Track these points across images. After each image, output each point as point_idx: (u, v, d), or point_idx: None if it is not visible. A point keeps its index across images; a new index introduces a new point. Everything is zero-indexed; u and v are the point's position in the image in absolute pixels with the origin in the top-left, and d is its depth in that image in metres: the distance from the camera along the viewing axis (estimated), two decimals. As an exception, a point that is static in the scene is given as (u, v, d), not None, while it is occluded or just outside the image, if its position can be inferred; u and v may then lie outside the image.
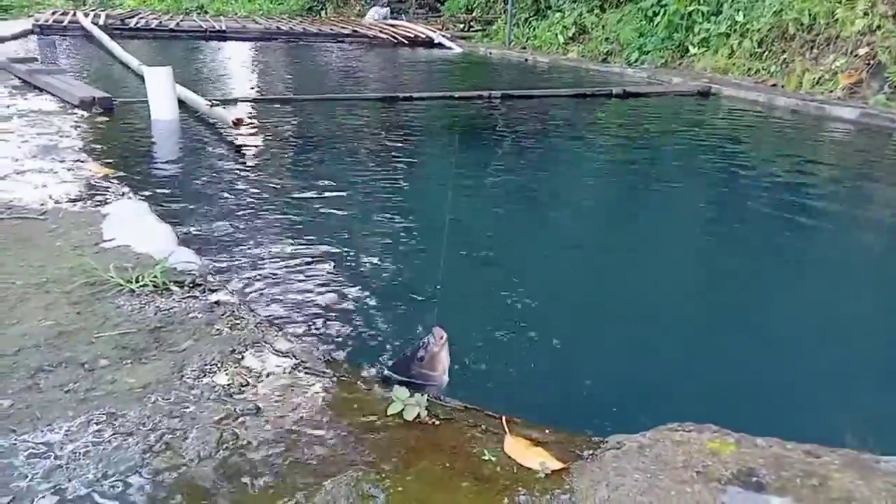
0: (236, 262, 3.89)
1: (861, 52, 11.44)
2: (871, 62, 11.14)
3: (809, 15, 12.18)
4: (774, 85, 12.54)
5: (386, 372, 2.59)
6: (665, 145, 8.39)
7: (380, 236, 4.59)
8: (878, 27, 11.11)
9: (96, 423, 2.10)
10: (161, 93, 7.37)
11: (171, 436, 2.05)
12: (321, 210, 5.03)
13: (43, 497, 1.79)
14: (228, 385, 2.34)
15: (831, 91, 11.56)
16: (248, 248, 4.14)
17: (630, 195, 6.29)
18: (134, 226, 3.87)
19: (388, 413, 2.17)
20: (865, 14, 11.31)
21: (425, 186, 6.21)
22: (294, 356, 2.54)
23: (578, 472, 1.93)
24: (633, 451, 1.95)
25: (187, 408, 2.20)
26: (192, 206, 4.91)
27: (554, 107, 10.65)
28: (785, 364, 3.12)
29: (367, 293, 3.63)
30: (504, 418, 2.21)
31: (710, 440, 1.96)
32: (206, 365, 2.46)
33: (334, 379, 2.41)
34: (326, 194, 5.40)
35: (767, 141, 9.04)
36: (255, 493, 1.83)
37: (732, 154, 7.87)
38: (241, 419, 2.15)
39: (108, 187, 4.64)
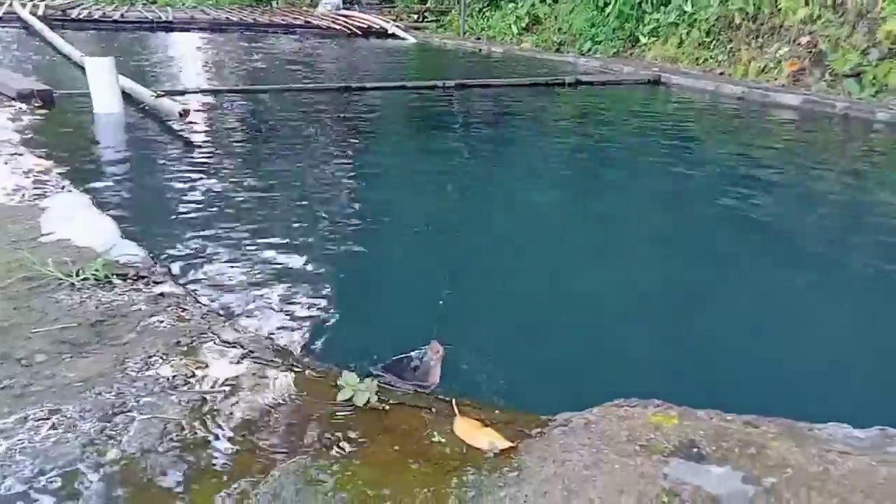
0: (182, 255, 3.81)
1: (803, 40, 11.78)
2: (813, 50, 11.49)
3: (754, 5, 12.50)
4: (722, 73, 12.84)
5: (379, 368, 2.51)
6: (618, 132, 8.51)
7: (328, 226, 4.55)
8: (819, 17, 11.47)
9: (34, 419, 2.03)
10: (103, 84, 7.14)
11: (112, 429, 2.00)
12: (270, 201, 4.96)
13: (-24, 496, 1.73)
14: (173, 377, 2.29)
15: (776, 79, 11.89)
16: (195, 241, 4.05)
17: (582, 182, 6.37)
18: (75, 219, 3.75)
19: (338, 399, 2.16)
20: (807, 3, 11.66)
21: (376, 176, 6.17)
22: (242, 346, 2.50)
23: (527, 450, 1.95)
24: (580, 427, 1.98)
25: (130, 401, 2.14)
26: (136, 200, 4.79)
27: (508, 96, 10.69)
28: (731, 338, 3.21)
29: (315, 283, 3.60)
30: (454, 401, 2.22)
31: (654, 414, 2.01)
32: (149, 357, 2.40)
33: (283, 368, 2.38)
34: (275, 186, 5.32)
35: (715, 127, 9.26)
36: (201, 483, 1.80)
37: (682, 140, 8.04)
38: (185, 410, 2.10)
39: (48, 181, 4.48)
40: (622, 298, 3.71)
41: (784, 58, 12.08)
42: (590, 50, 15.94)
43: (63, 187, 4.35)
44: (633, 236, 4.85)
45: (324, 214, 4.76)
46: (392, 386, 2.33)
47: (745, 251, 4.60)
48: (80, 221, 3.70)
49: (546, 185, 6.14)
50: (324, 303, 3.38)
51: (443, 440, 2.01)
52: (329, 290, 3.58)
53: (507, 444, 1.98)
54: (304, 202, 5.03)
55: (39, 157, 5.08)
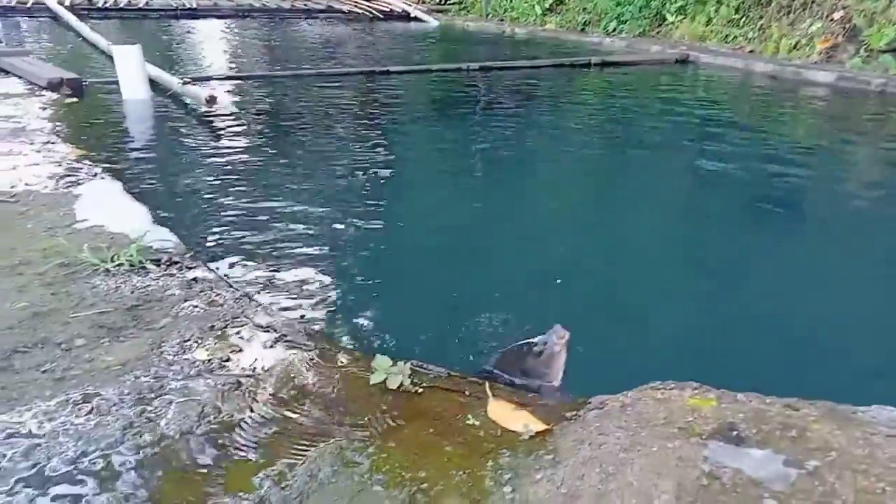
0: (213, 240, 3.85)
1: (836, 15, 11.46)
2: (847, 26, 11.18)
3: (785, -21, 12.17)
4: (752, 51, 12.55)
5: (487, 367, 2.41)
6: (646, 113, 8.38)
7: (358, 211, 4.56)
8: (853, -10, 11.13)
9: (74, 402, 2.07)
10: (131, 72, 7.21)
11: (151, 412, 2.03)
12: (298, 187, 4.98)
13: (22, 474, 1.76)
14: (208, 360, 2.31)
15: (808, 56, 11.59)
16: (226, 227, 4.09)
17: (610, 164, 6.29)
18: (107, 206, 3.80)
19: (372, 383, 2.16)
20: (840, -23, 11.32)
21: (404, 160, 6.16)
22: (275, 330, 2.52)
23: (561, 433, 1.94)
24: (616, 410, 1.96)
25: (167, 384, 2.17)
26: (167, 186, 4.84)
27: (533, 78, 10.58)
28: (767, 322, 3.16)
29: (346, 268, 3.61)
30: (487, 383, 2.21)
31: (691, 397, 1.98)
32: (185, 341, 2.43)
33: (316, 351, 2.39)
34: (304, 171, 5.35)
35: (747, 106, 9.07)
36: (239, 465, 1.82)
37: (713, 120, 7.89)
38: (222, 393, 2.13)
39: (80, 168, 4.55)
40: (650, 278, 3.67)
41: (816, 34, 11.76)
42: (615, 30, 15.69)
43: (95, 174, 4.41)
44: (663, 216, 4.79)
45: (354, 199, 4.77)
46: (499, 383, 2.25)
47: (781, 231, 4.51)
48: (113, 208, 3.75)
49: (573, 167, 6.07)
50: (355, 288, 3.39)
51: (477, 423, 2.01)
52: (361, 275, 3.60)
53: (542, 426, 1.97)
54: (333, 187, 5.05)
55: (71, 144, 5.15)
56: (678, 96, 9.43)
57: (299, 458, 1.84)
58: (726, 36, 13.36)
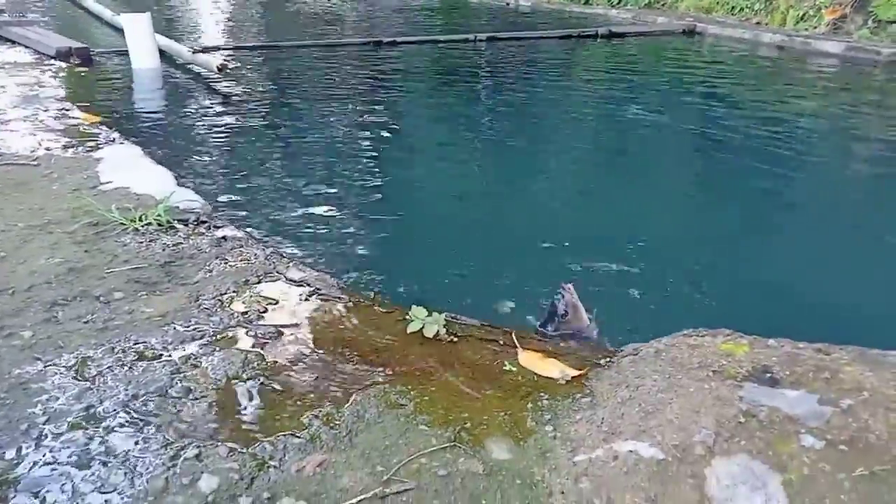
0: (237, 201, 3.88)
1: (845, -14, 11.35)
2: (856, -4, 11.08)
3: (794, -52, 12.03)
4: (758, 23, 12.46)
5: (547, 329, 2.56)
6: (654, 83, 8.35)
7: (373, 175, 4.58)
8: (863, -40, 11.02)
9: (121, 350, 2.12)
10: (141, 40, 7.17)
11: (196, 358, 2.08)
12: (311, 152, 5.00)
13: (77, 415, 1.82)
14: (246, 312, 2.36)
15: (815, 27, 11.52)
16: (247, 189, 4.12)
17: (618, 132, 6.29)
18: (130, 169, 3.82)
19: (408, 332, 2.21)
20: (850, -54, 11.19)
21: (414, 127, 6.17)
22: (308, 284, 2.56)
23: (597, 377, 1.99)
24: (650, 355, 2.02)
25: (208, 333, 2.22)
26: (185, 151, 4.85)
27: (540, 49, 10.52)
28: (791, 270, 3.21)
29: (366, 228, 3.65)
30: (513, 333, 2.25)
31: (724, 343, 2.03)
32: (221, 294, 2.48)
33: (350, 304, 2.44)
34: (316, 136, 5.36)
35: (754, 76, 9.04)
36: (287, 407, 1.88)
37: (720, 89, 7.87)
38: (263, 342, 2.18)
39: (98, 133, 4.56)
40: (662, 237, 3.71)
41: (824, 5, 11.67)
42: (619, 1, 15.54)
43: (113, 139, 4.42)
44: (673, 180, 4.82)
45: (368, 163, 4.79)
46: (546, 337, 2.40)
47: (790, 193, 4.55)
48: (135, 171, 3.78)
49: (583, 134, 6.08)
50: (377, 245, 3.44)
51: (513, 369, 2.07)
52: (381, 233, 3.65)
53: (577, 371, 2.03)
54: (347, 151, 5.07)
55: (87, 111, 5.15)
56: (686, 66, 9.39)
57: (345, 400, 1.90)
58: (733, 7, 13.25)
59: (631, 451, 1.61)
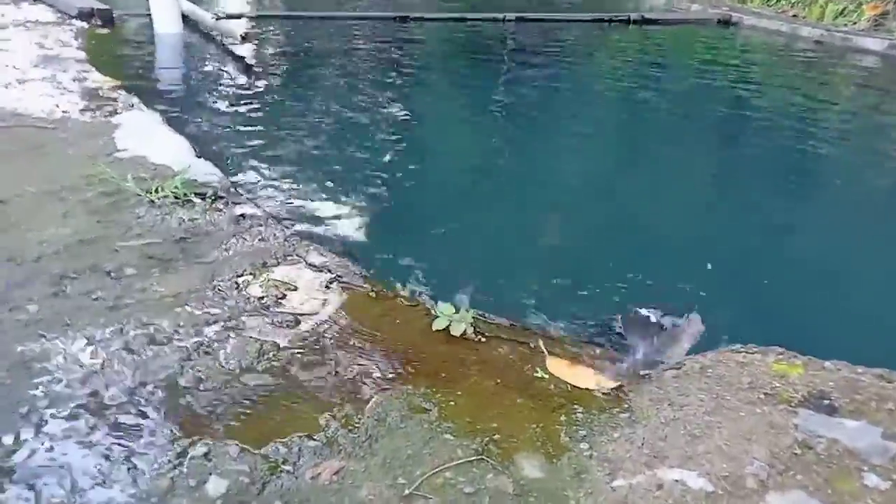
0: (257, 178, 3.73)
1: (889, -18, 10.96)
2: (900, -7, 10.69)
3: (837, -60, 11.61)
4: (795, 16, 12.07)
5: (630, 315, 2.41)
6: (686, 73, 8.08)
7: (394, 154, 4.41)
8: (910, -45, 10.61)
9: (130, 332, 2.00)
10: (165, 4, 7.01)
11: (209, 345, 1.96)
12: (333, 127, 4.83)
13: (81, 401, 1.71)
14: (263, 297, 2.23)
15: (854, 23, 11.14)
16: (267, 164, 3.96)
17: (647, 122, 6.07)
18: (148, 136, 3.69)
19: (434, 329, 2.08)
20: (897, -61, 10.78)
21: (438, 105, 5.98)
22: (329, 270, 2.43)
23: (636, 392, 1.85)
24: (695, 371, 1.87)
25: (223, 318, 2.10)
26: (205, 120, 4.70)
27: (570, 32, 10.24)
28: (838, 282, 3.05)
29: (389, 210, 3.50)
30: (540, 339, 2.10)
31: (776, 362, 1.88)
32: (238, 276, 2.35)
33: (373, 294, 2.31)
34: (338, 112, 5.18)
35: (791, 70, 8.74)
36: (303, 404, 1.75)
37: (754, 82, 7.61)
38: (280, 330, 2.05)
39: (117, 98, 4.43)
40: (686, 230, 3.55)
41: (865, 1, 11.28)
42: (654, -13, 15.13)
43: (132, 105, 4.29)
44: (707, 175, 4.64)
45: (389, 142, 4.62)
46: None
47: (816, 198, 4.36)
48: (153, 139, 3.65)
49: (609, 122, 5.88)
50: (400, 230, 3.30)
51: (545, 376, 1.93)
52: (403, 217, 3.50)
53: (614, 383, 1.89)
54: (369, 129, 4.89)
55: (106, 74, 5.02)
56: (720, 57, 9.10)
57: (365, 400, 1.77)
58: (769, -1, 12.85)
59: (677, 481, 1.47)
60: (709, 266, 3.03)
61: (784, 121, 6.08)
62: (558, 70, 7.86)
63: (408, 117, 5.36)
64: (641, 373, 1.94)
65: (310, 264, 2.47)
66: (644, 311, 2.39)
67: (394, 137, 4.73)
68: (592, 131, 5.52)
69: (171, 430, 1.63)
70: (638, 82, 7.44)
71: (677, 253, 3.33)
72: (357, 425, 1.68)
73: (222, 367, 1.87)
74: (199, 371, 1.84)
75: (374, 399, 1.78)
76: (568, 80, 7.36)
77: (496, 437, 1.67)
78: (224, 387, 1.79)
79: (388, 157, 4.27)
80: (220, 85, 5.74)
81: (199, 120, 4.67)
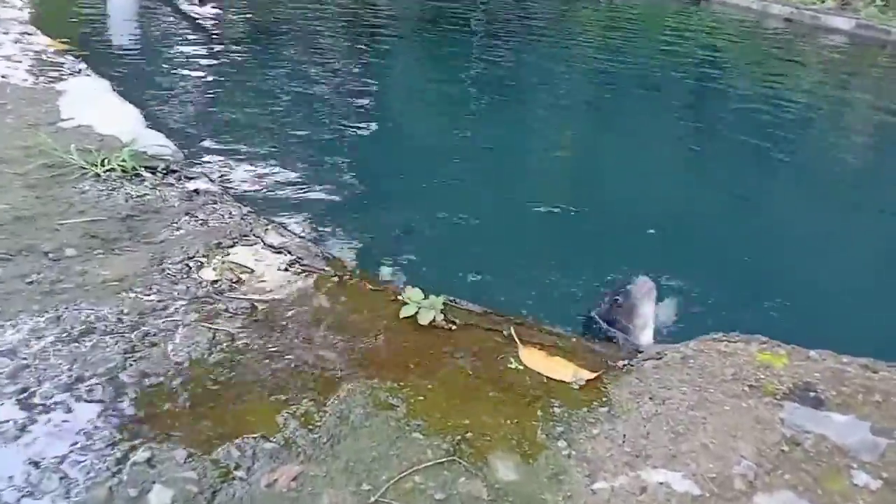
0: (212, 150, 3.53)
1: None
2: (868, -28, 10.73)
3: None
4: (766, -8, 12.06)
5: (592, 313, 2.29)
6: (655, 49, 7.99)
7: (362, 126, 4.23)
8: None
9: (68, 320, 1.83)
10: (116, -37, 6.64)
11: (155, 335, 1.80)
12: (300, 99, 4.62)
13: (10, 399, 1.54)
14: (217, 281, 2.07)
15: (823, 1, 11.17)
16: (224, 137, 3.76)
17: (615, 97, 5.97)
18: (95, 104, 3.45)
19: (401, 316, 1.94)
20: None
21: (405, 76, 5.79)
22: (289, 252, 2.27)
23: (615, 383, 1.76)
24: (676, 361, 1.78)
25: (172, 304, 1.94)
26: (158, 88, 4.45)
27: (542, 5, 10.07)
28: (805, 274, 2.99)
29: (352, 186, 3.34)
30: (512, 329, 1.98)
31: (760, 352, 1.80)
32: (189, 258, 2.18)
33: (336, 278, 2.16)
34: (304, 84, 4.97)
35: (760, 47, 8.72)
36: (260, 400, 1.61)
37: (722, 59, 7.56)
38: (234, 319, 1.90)
39: (63, 63, 4.14)
40: (677, 217, 3.48)
41: (833, -22, 11.31)
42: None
43: (80, 70, 4.02)
44: (668, 150, 4.57)
45: (351, 112, 4.43)
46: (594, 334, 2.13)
47: (781, 175, 4.32)
48: (100, 107, 3.41)
49: (577, 97, 5.77)
50: (363, 208, 3.14)
51: (520, 367, 1.82)
52: (367, 194, 3.34)
53: (592, 374, 1.79)
54: (335, 99, 4.70)
55: (52, 37, 4.70)
56: (689, 33, 9.04)
57: (327, 395, 1.64)
58: (740, -25, 12.80)
59: (661, 483, 1.38)
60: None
61: (754, 98, 6.04)
62: (528, 43, 7.70)
63: (375, 89, 5.16)
64: (620, 363, 1.84)
65: (268, 245, 2.31)
66: (605, 295, 2.29)
67: (360, 111, 4.55)
68: (562, 104, 5.40)
69: (111, 433, 1.47)
70: (607, 56, 7.33)
71: (651, 234, 3.25)
72: (317, 424, 1.55)
73: (169, 359, 1.71)
74: (144, 365, 1.68)
75: (336, 394, 1.65)
76: (537, 54, 7.21)
77: (468, 434, 1.56)
78: (171, 382, 1.64)
79: (353, 132, 4.09)
80: (177, 52, 5.45)
81: (152, 88, 4.41)
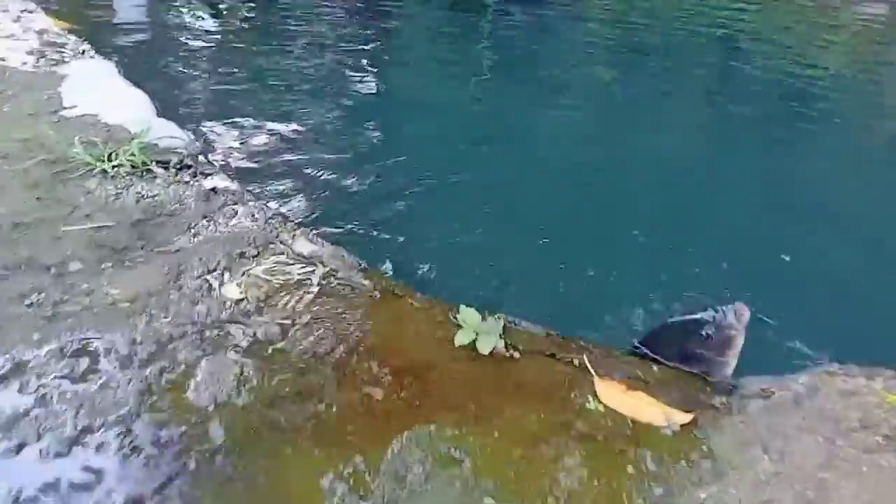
0: (230, 142, 3.24)
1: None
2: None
3: None
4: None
5: (636, 343, 1.92)
6: (672, 25, 7.57)
7: (388, 112, 3.92)
8: None
9: (73, 352, 1.57)
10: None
11: (173, 371, 1.54)
12: (319, 82, 4.32)
13: (3, 458, 1.29)
14: (242, 300, 1.81)
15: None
16: (241, 126, 3.47)
17: (633, 70, 5.61)
18: (101, 90, 3.17)
19: (457, 344, 1.68)
20: None
21: (420, 56, 5.45)
22: (322, 262, 2.00)
23: (714, 429, 1.49)
24: (788, 402, 1.51)
25: (192, 331, 1.68)
26: (167, 71, 4.16)
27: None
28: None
29: (385, 181, 3.05)
30: (586, 358, 1.70)
31: (887, 390, 1.52)
32: (209, 272, 1.92)
33: (377, 295, 1.89)
34: (321, 64, 4.66)
35: (789, 19, 8.28)
36: (299, 456, 1.36)
37: (745, 31, 7.15)
38: (264, 347, 1.64)
39: (65, 44, 3.85)
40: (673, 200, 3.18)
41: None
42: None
43: (83, 52, 3.73)
44: (686, 128, 4.24)
45: (369, 98, 4.12)
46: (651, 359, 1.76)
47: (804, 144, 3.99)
48: (107, 93, 3.13)
49: (592, 72, 5.42)
50: (397, 210, 2.84)
51: (599, 408, 1.55)
52: (397, 192, 3.04)
53: (686, 416, 1.52)
54: (346, 85, 4.38)
55: (53, 16, 4.41)
56: (712, 2, 8.58)
57: (378, 447, 1.38)
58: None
59: (803, 576, 1.11)
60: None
61: (785, 73, 5.66)
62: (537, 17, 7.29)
63: (388, 68, 4.82)
64: (717, 401, 1.56)
65: (297, 255, 2.04)
66: (676, 320, 1.94)
67: (383, 97, 4.22)
68: (587, 81, 5.06)
69: (127, 495, 1.22)
70: (627, 31, 6.92)
71: (712, 240, 2.93)
72: (370, 487, 1.29)
73: (191, 403, 1.46)
74: (161, 410, 1.43)
75: (389, 446, 1.39)
76: (557, 28, 6.83)
77: (549, 501, 1.30)
78: (192, 433, 1.38)
79: (379, 120, 3.77)
80: (188, 31, 5.14)
81: (163, 71, 4.11)
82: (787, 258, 2.58)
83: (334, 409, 1.48)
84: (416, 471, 1.34)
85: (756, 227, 2.99)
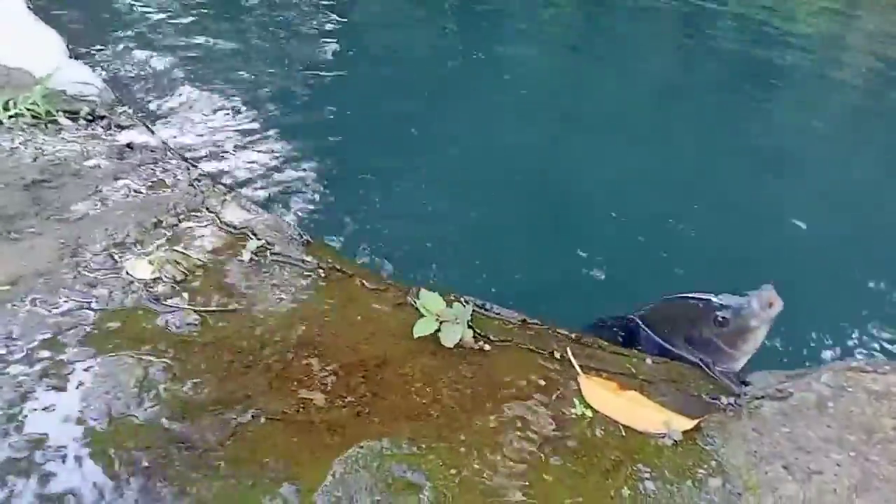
0: (153, 91, 2.83)
1: None
2: None
3: None
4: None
5: (631, 316, 1.64)
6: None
7: (345, 82, 3.49)
8: None
9: (-74, 351, 1.24)
10: None
11: (59, 373, 1.23)
12: (257, 34, 3.87)
13: None
14: (153, 281, 1.48)
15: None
16: (167, 72, 3.04)
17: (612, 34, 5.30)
18: (4, 28, 2.73)
19: (417, 335, 1.39)
20: None
21: (395, 37, 5.02)
22: (255, 234, 1.68)
23: (723, 436, 1.24)
24: (810, 406, 1.27)
25: (87, 320, 1.35)
26: (88, 9, 3.66)
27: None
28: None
29: (339, 149, 2.68)
30: (569, 350, 1.44)
31: (923, 391, 1.29)
32: (115, 245, 1.59)
33: (321, 272, 1.59)
34: (260, 13, 4.19)
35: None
36: (208, 486, 1.06)
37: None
38: (177, 342, 1.33)
39: (-32, -25, 3.35)
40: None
41: None
42: None
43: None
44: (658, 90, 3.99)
45: (339, 69, 3.70)
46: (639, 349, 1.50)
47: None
48: (11, 31, 2.70)
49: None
50: (344, 180, 2.48)
51: (587, 413, 1.29)
52: (342, 156, 2.68)
53: (689, 422, 1.27)
54: (319, 51, 3.95)
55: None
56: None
57: (314, 469, 1.10)
58: None
59: None
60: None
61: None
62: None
63: (358, 43, 4.38)
64: (723, 402, 1.32)
65: (227, 224, 1.72)
66: (682, 296, 1.64)
67: (341, 68, 3.79)
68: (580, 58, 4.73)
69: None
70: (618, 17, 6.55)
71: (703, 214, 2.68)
72: (305, 524, 1.01)
73: (81, 412, 1.15)
74: (42, 422, 1.12)
75: (332, 468, 1.10)
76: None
77: (530, 537, 1.04)
78: (82, 452, 1.08)
79: (333, 86, 3.34)
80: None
81: (81, 7, 3.62)
82: (803, 225, 2.33)
83: (262, 421, 1.19)
84: (363, 498, 1.06)
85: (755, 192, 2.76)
